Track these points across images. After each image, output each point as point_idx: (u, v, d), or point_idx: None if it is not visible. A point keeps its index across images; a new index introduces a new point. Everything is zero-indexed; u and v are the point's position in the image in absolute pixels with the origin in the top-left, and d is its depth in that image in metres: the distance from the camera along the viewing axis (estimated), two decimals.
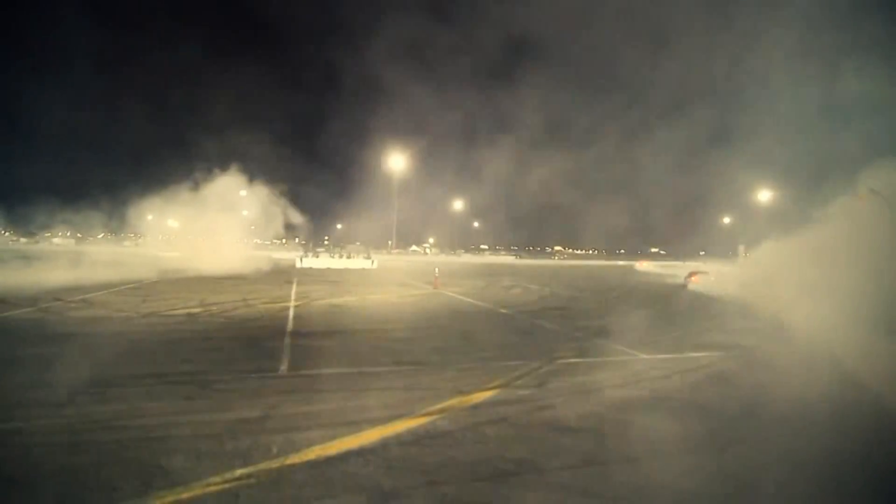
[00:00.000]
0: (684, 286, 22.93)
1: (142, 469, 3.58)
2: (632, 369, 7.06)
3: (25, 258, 28.29)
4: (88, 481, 3.40)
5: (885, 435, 4.84)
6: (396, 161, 49.14)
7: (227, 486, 3.36)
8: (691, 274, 23.90)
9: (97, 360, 6.82)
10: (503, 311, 13.57)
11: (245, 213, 33.19)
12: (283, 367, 6.68)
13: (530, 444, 4.21)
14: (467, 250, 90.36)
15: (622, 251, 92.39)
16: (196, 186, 30.31)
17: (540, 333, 10.16)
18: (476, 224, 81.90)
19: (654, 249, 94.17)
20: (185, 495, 3.22)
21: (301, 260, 33.88)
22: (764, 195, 49.01)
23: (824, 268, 11.34)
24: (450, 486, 3.45)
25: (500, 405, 5.25)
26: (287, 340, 8.51)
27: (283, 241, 54.32)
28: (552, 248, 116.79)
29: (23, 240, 68.10)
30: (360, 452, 3.93)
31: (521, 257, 79.43)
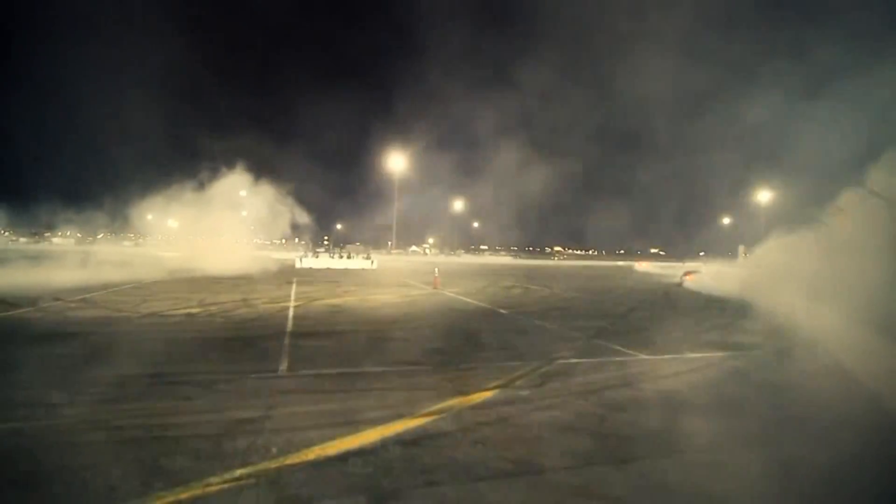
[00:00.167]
0: (680, 284, 24.68)
1: (141, 469, 3.58)
2: (631, 370, 7.06)
3: (26, 258, 28.27)
4: (87, 481, 3.40)
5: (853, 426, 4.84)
6: (396, 161, 49.18)
7: (226, 486, 3.36)
8: (686, 273, 25.76)
9: (97, 360, 6.82)
10: (503, 311, 13.57)
11: (244, 213, 33.19)
12: (283, 367, 6.68)
13: (530, 444, 4.21)
14: (467, 250, 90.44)
15: (622, 252, 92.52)
16: (196, 186, 30.34)
17: (540, 334, 10.16)
18: (476, 224, 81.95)
19: (653, 250, 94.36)
20: (184, 495, 3.22)
21: (301, 260, 33.88)
22: (764, 195, 49.09)
23: (818, 266, 11.71)
24: (449, 486, 3.45)
25: (500, 405, 5.25)
26: (287, 340, 8.51)
27: (284, 241, 54.31)
28: (552, 249, 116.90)
29: (22, 240, 68.11)
30: (360, 452, 3.93)
31: (520, 258, 79.51)
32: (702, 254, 57.84)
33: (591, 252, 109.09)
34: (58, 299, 13.01)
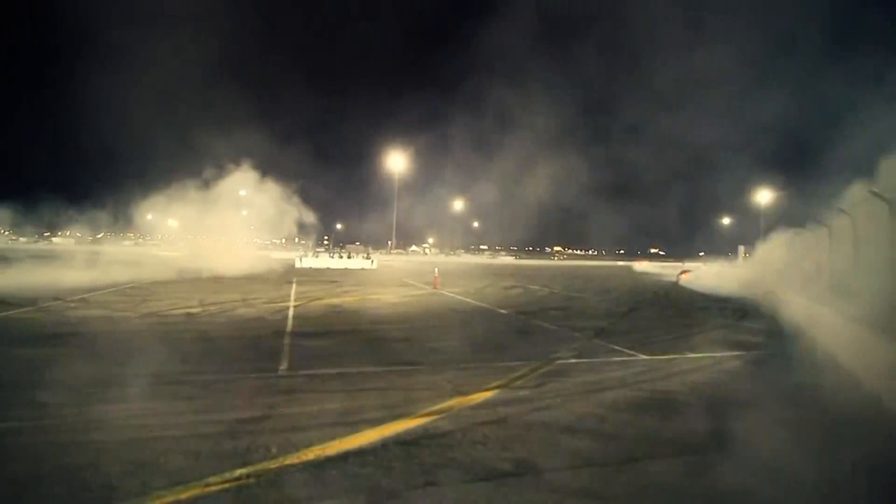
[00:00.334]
0: (676, 282, 26.85)
1: (141, 469, 3.58)
2: (631, 370, 7.06)
3: (26, 259, 28.24)
4: (87, 481, 3.40)
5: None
6: (396, 161, 49.15)
7: (226, 486, 3.36)
8: (682, 272, 28.64)
9: (97, 360, 6.82)
10: (502, 311, 13.58)
11: (245, 212, 33.15)
12: (283, 367, 6.68)
13: (530, 444, 4.21)
14: (467, 250, 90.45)
15: (622, 251, 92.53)
16: (196, 186, 30.27)
17: (539, 334, 10.16)
18: (476, 224, 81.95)
19: (653, 250, 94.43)
20: (184, 495, 3.22)
21: (301, 260, 33.88)
22: (763, 196, 49.12)
23: (812, 264, 12.03)
24: (449, 486, 3.45)
25: (500, 405, 5.25)
26: (287, 340, 8.51)
27: (284, 240, 54.27)
28: (551, 249, 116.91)
29: (22, 239, 68.03)
30: (360, 452, 3.93)
31: (520, 258, 79.52)
32: (701, 254, 57.94)
33: (590, 252, 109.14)
34: (57, 299, 13.01)
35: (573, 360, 7.54)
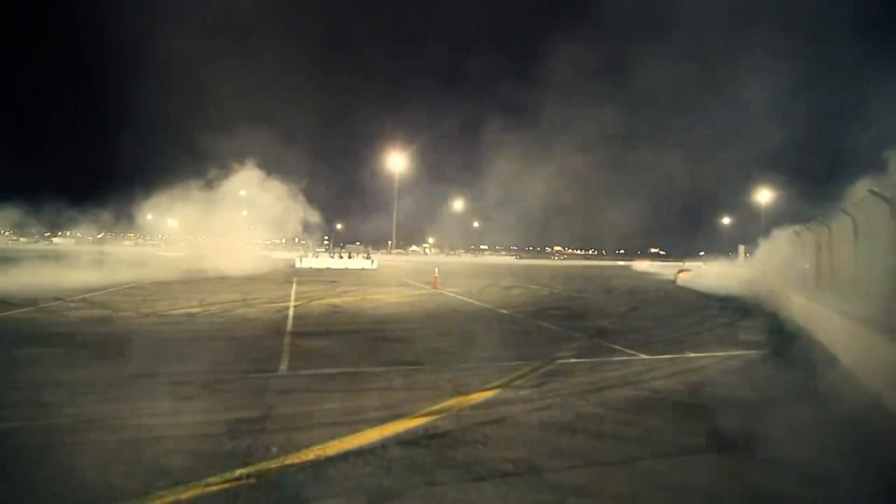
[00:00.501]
0: (673, 281, 27.70)
1: (141, 469, 3.58)
2: (631, 369, 7.06)
3: (26, 259, 28.24)
4: (87, 481, 3.40)
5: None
6: (397, 161, 49.15)
7: (226, 486, 3.36)
8: (679, 271, 29.43)
9: (96, 360, 6.83)
10: (503, 311, 13.58)
11: (245, 212, 33.13)
12: (283, 367, 6.68)
13: (530, 444, 4.21)
14: (467, 250, 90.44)
15: (622, 251, 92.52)
16: (196, 186, 30.24)
17: (539, 333, 10.16)
18: (476, 224, 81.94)
19: (653, 250, 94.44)
20: (184, 495, 3.22)
21: (301, 260, 33.86)
22: (763, 196, 49.14)
23: (812, 264, 12.11)
24: (449, 486, 3.45)
25: (500, 405, 5.25)
26: (287, 340, 8.51)
27: (284, 240, 54.23)
28: (552, 249, 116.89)
29: (22, 239, 68.00)
30: (360, 452, 3.93)
31: (520, 257, 79.53)
32: (701, 253, 57.97)
33: (590, 252, 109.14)
34: (58, 299, 13.01)
35: (573, 360, 7.54)
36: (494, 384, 6.02)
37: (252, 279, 21.98)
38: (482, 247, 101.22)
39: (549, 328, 10.78)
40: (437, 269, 22.30)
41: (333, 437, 4.20)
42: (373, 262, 35.51)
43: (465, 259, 68.49)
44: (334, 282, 22.18)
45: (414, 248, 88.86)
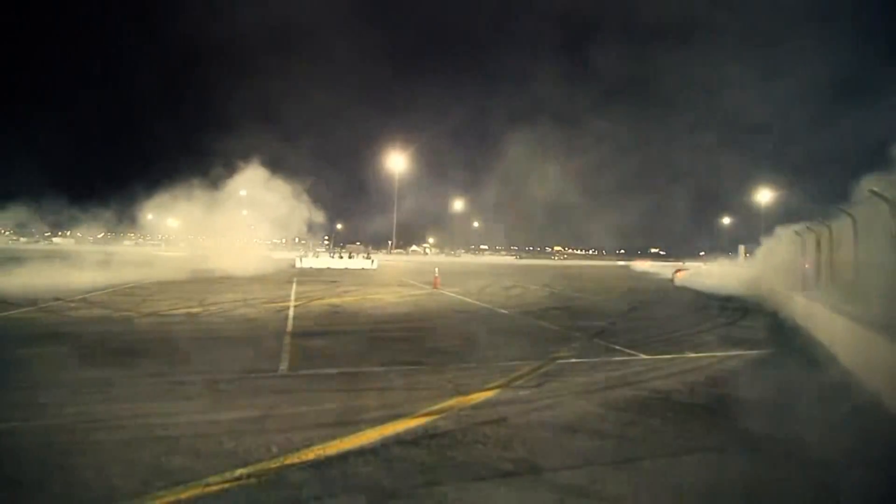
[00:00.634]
0: (672, 281, 28.18)
1: (141, 469, 3.58)
2: (631, 369, 7.05)
3: (27, 259, 28.25)
4: (88, 481, 3.40)
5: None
6: (397, 161, 49.17)
7: (227, 486, 3.36)
8: (677, 270, 30.09)
9: (96, 359, 6.83)
10: (503, 311, 13.57)
11: (245, 212, 33.11)
12: (283, 367, 6.68)
13: (530, 444, 4.21)
14: (467, 250, 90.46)
15: (622, 251, 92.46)
16: (196, 186, 30.22)
17: (539, 333, 10.16)
18: (476, 224, 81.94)
19: (653, 250, 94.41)
20: (184, 495, 3.22)
21: (301, 260, 33.86)
22: (763, 196, 49.15)
23: (813, 264, 12.13)
24: (449, 486, 3.45)
25: (500, 405, 5.25)
26: (287, 340, 8.51)
27: (283, 240, 54.21)
28: (552, 249, 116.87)
29: (22, 240, 68.01)
30: (360, 452, 3.93)
31: (520, 257, 79.52)
32: (701, 253, 57.94)
33: (591, 252, 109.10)
34: (58, 299, 13.02)
35: (574, 360, 7.54)
36: (495, 384, 6.02)
37: (252, 279, 21.98)
38: (482, 247, 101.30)
39: (549, 328, 10.78)
40: (437, 269, 22.30)
41: (334, 437, 4.19)
42: (373, 262, 35.53)
43: (465, 259, 68.51)
44: (334, 282, 22.18)
45: (414, 248, 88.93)
